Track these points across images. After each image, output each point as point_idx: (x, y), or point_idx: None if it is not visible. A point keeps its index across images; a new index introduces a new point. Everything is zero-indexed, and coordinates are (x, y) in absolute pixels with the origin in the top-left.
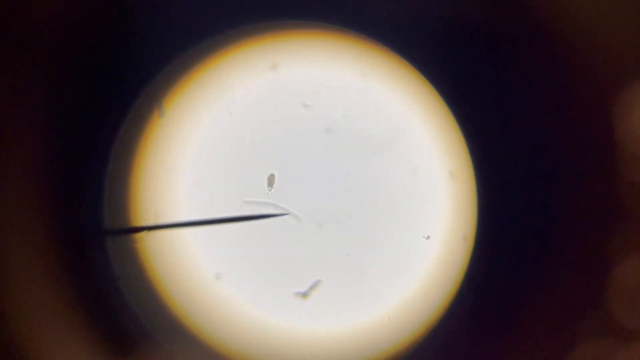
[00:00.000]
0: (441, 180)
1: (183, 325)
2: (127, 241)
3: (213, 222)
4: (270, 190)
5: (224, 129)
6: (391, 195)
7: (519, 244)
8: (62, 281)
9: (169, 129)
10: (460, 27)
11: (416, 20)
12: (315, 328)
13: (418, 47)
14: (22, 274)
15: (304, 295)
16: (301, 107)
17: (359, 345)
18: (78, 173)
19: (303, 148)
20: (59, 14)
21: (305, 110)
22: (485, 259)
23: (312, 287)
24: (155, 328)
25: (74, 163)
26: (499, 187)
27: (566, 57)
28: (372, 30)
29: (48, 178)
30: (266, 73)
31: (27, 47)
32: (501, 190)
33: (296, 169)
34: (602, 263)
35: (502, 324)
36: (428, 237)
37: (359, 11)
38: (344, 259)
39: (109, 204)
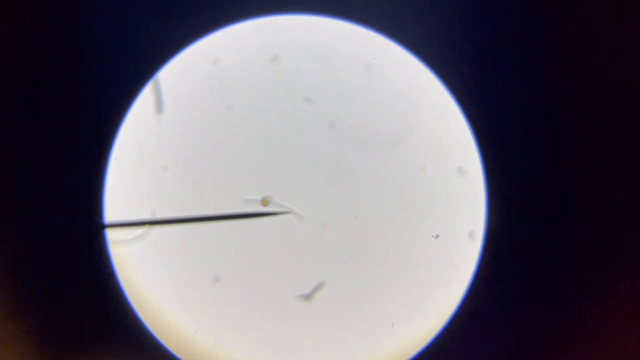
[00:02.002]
0: (450, 177)
1: (179, 326)
2: (125, 238)
3: (211, 220)
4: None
5: (223, 123)
6: (398, 193)
7: (529, 242)
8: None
9: (168, 124)
10: (468, 19)
11: (422, 11)
12: (318, 332)
13: (425, 39)
14: None
15: (307, 297)
16: (303, 101)
17: (365, 349)
18: (77, 169)
19: (305, 144)
20: (60, 13)
21: (308, 104)
22: (494, 257)
23: (315, 289)
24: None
25: (74, 159)
26: (509, 184)
27: (580, 52)
28: (377, 21)
29: (47, 174)
30: (266, 65)
31: (23, 46)
32: (511, 187)
33: (298, 166)
34: (611, 261)
35: (511, 323)
36: (437, 236)
37: (363, 2)
38: (348, 260)
39: (107, 199)
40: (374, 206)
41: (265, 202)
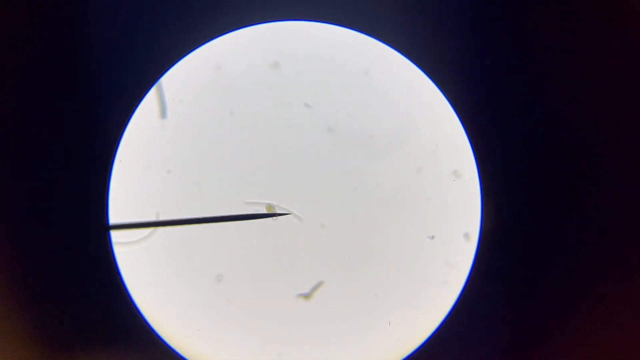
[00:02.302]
0: (446, 180)
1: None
2: (130, 239)
3: (214, 221)
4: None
5: (225, 128)
6: (395, 196)
7: (524, 243)
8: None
9: (171, 128)
10: (464, 25)
11: (419, 18)
12: (318, 330)
13: (422, 45)
14: None
15: (307, 296)
16: (303, 106)
17: (362, 347)
18: (83, 172)
19: (305, 147)
20: (65, 18)
21: (307, 109)
22: (489, 258)
23: (315, 288)
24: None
25: (80, 162)
26: (504, 187)
27: (575, 57)
28: (375, 28)
29: (54, 176)
30: (267, 71)
31: (29, 51)
32: (506, 190)
33: (298, 169)
34: (606, 261)
35: (505, 322)
36: (432, 237)
37: (361, 9)
38: (346, 260)
39: (112, 202)
40: (371, 208)
41: (270, 208)
